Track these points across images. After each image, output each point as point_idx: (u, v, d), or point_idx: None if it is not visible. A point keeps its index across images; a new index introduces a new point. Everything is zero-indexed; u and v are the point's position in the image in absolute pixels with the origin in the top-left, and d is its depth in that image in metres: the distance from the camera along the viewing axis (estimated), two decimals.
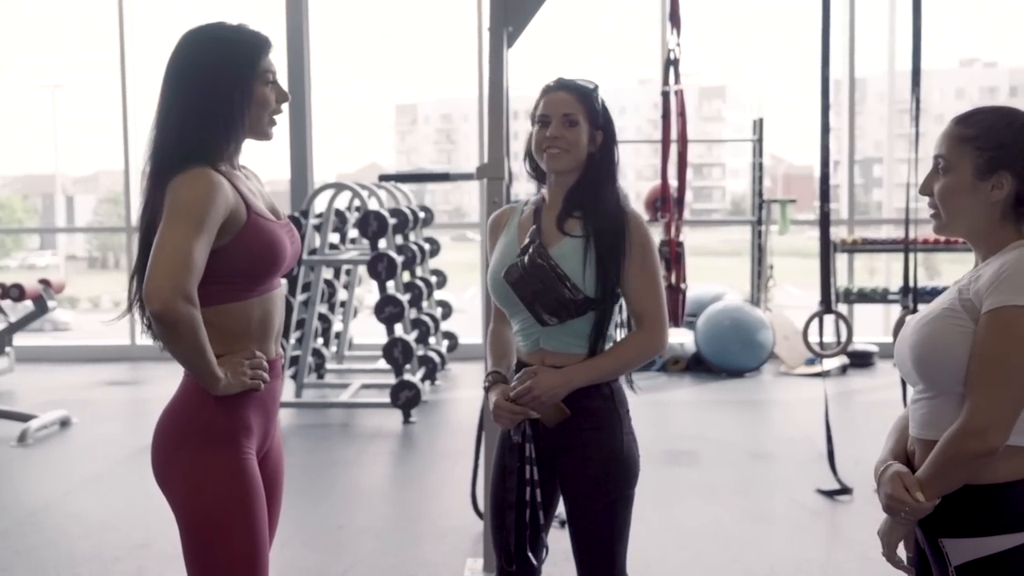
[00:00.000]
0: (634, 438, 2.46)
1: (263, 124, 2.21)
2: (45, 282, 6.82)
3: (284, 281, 6.85)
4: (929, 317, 1.88)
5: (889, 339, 7.46)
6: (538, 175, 2.53)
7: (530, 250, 2.39)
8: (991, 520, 1.81)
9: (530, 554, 2.46)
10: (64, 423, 6.51)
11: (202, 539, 2.12)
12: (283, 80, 2.25)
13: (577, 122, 2.42)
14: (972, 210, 1.87)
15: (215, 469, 2.12)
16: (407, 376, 6.63)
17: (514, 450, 2.45)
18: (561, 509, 2.52)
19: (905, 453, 1.97)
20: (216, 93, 2.12)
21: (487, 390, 2.47)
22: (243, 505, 2.13)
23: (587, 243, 2.38)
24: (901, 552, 2.00)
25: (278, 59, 2.26)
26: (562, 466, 2.43)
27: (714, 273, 13.71)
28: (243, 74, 2.14)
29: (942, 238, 1.92)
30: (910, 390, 2.01)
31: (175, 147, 2.10)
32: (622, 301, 2.44)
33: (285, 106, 2.25)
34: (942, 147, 1.90)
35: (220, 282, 2.12)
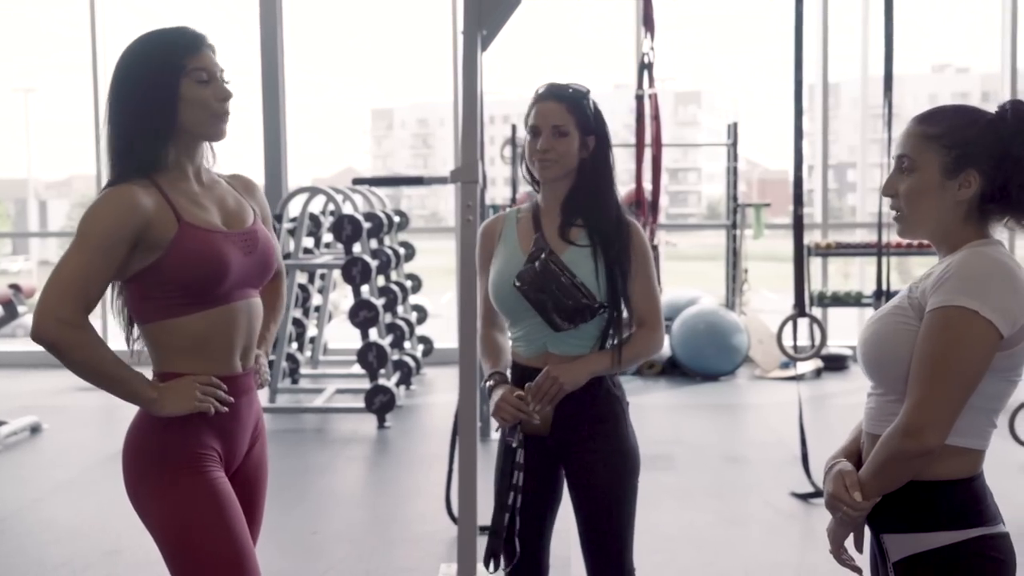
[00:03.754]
0: (634, 431, 2.55)
1: (206, 125, 2.13)
2: (15, 287, 6.75)
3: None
4: (878, 315, 1.89)
5: None
6: (535, 181, 2.57)
7: (541, 257, 2.44)
8: (929, 517, 1.81)
9: (502, 560, 2.50)
10: (34, 429, 6.45)
11: (183, 563, 2.09)
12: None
13: (567, 132, 2.46)
14: (939, 210, 1.85)
15: (177, 491, 2.08)
16: (382, 381, 6.61)
17: (509, 454, 2.48)
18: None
19: (859, 449, 1.97)
20: (143, 99, 2.07)
21: (491, 389, 2.49)
22: (216, 522, 2.09)
23: (595, 252, 2.45)
24: (857, 552, 2.00)
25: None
26: (570, 460, 2.50)
27: (689, 277, 13.74)
28: (167, 75, 2.08)
29: (915, 242, 1.92)
30: None
31: (114, 161, 2.09)
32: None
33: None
34: (905, 146, 1.88)
35: (159, 298, 2.08)
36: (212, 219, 2.15)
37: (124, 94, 2.09)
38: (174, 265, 2.06)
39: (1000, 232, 1.90)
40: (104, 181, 2.15)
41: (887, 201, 1.93)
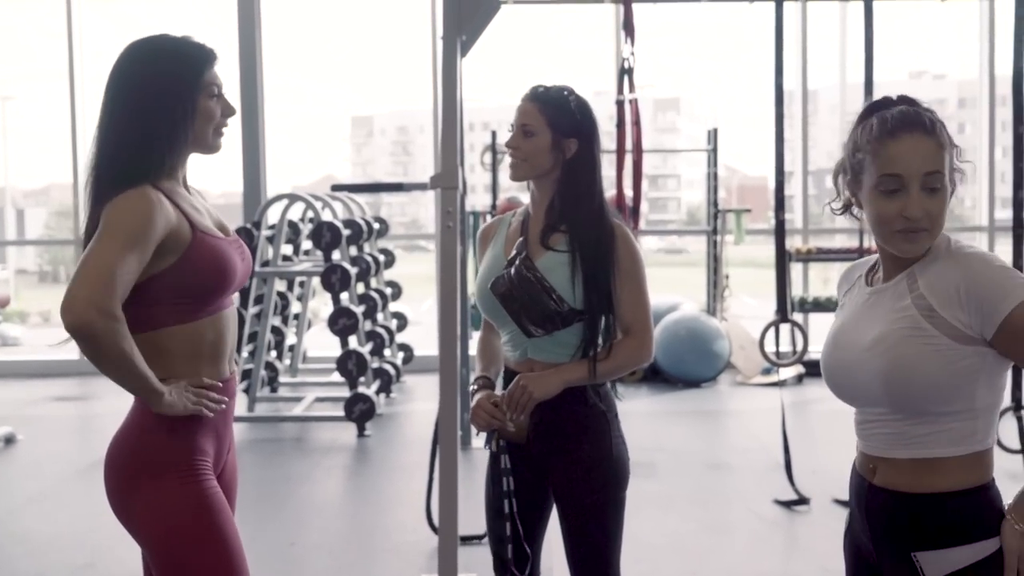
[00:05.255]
0: (623, 442, 2.49)
1: (208, 138, 2.16)
2: None
3: (236, 296, 6.76)
4: (891, 340, 1.80)
5: None
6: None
7: (516, 262, 2.41)
8: (970, 527, 1.76)
9: (514, 570, 2.48)
10: (9, 440, 6.37)
11: (177, 572, 2.06)
12: (235, 91, 2.20)
13: (534, 133, 2.42)
14: None
15: (175, 497, 2.06)
16: (361, 389, 6.56)
17: (495, 461, 2.48)
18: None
19: None
20: (159, 106, 2.07)
21: (473, 394, 2.49)
22: (211, 526, 2.07)
23: (573, 257, 2.38)
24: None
25: (225, 71, 2.20)
26: (553, 471, 2.45)
27: (670, 283, 13.76)
28: (187, 87, 2.09)
29: None
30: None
31: (116, 162, 2.05)
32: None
33: (232, 119, 2.19)
34: (936, 163, 1.77)
35: (169, 303, 2.07)
36: (212, 226, 2.16)
37: (139, 100, 2.07)
38: (190, 271, 2.06)
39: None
40: (82, 189, 2.12)
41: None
